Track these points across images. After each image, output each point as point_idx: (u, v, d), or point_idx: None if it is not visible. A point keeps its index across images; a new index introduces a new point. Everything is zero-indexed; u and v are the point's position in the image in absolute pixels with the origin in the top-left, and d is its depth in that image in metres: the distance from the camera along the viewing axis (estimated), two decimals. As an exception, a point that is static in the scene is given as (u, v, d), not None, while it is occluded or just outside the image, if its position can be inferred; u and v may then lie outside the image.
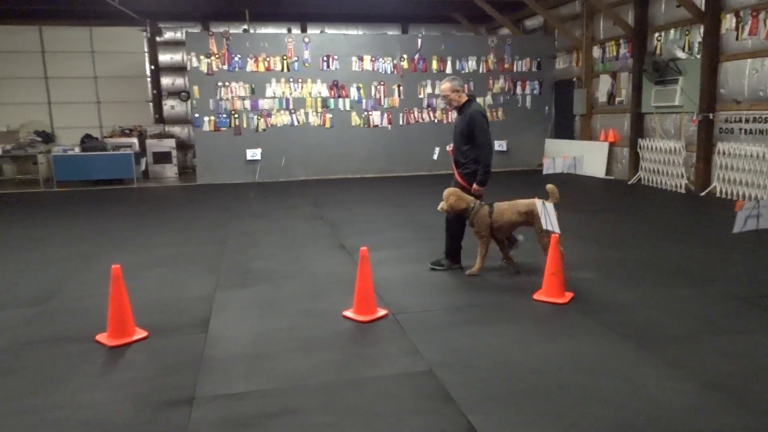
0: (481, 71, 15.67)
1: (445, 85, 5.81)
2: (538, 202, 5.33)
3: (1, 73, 16.67)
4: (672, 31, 11.75)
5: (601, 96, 14.24)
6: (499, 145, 15.80)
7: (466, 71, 15.55)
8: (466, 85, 5.72)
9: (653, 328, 4.28)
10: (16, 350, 4.16)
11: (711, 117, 10.73)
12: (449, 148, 6.38)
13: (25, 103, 16.79)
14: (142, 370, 3.80)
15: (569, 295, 4.97)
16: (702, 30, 10.79)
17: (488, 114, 15.79)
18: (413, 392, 3.41)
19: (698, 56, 10.97)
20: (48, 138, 15.91)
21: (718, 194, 10.48)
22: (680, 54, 11.48)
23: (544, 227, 5.23)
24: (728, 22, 10.33)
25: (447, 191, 5.67)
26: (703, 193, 10.70)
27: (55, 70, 16.89)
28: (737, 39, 10.21)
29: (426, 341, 4.14)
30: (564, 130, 16.02)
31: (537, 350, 3.95)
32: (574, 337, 4.17)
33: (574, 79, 15.24)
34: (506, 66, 15.82)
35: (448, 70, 15.39)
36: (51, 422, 3.15)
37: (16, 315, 4.88)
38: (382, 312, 4.69)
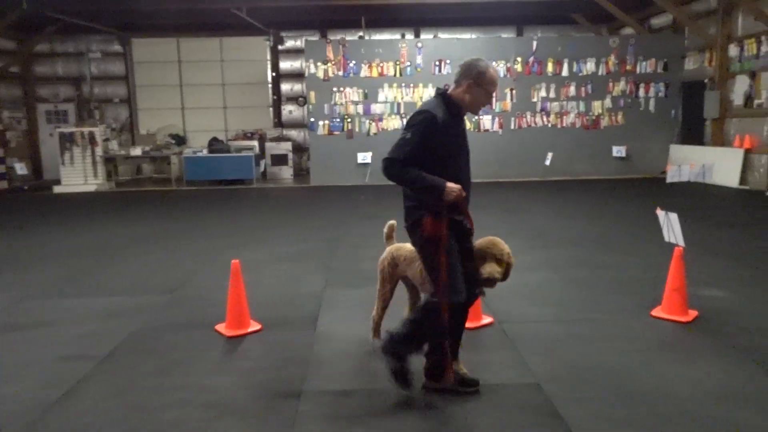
0: (600, 73, 14.95)
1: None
2: (660, 213, 4.98)
3: (143, 81, 18.43)
4: (826, 26, 10.51)
5: (737, 98, 13.04)
6: (617, 151, 14.99)
7: (584, 73, 14.91)
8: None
9: (794, 357, 3.85)
10: (151, 333, 4.57)
11: None
12: (458, 189, 3.24)
13: (163, 108, 18.41)
14: (256, 360, 4.03)
15: (693, 313, 4.60)
16: None
17: (606, 118, 15.11)
18: (518, 405, 3.32)
19: None
20: (180, 141, 17.35)
21: None
22: (835, 51, 10.23)
23: (667, 239, 4.88)
24: None
25: (494, 243, 3.50)
26: None
27: (189, 78, 18.37)
28: None
29: (533, 353, 4.01)
30: (692, 135, 14.85)
31: (657, 372, 3.69)
32: (701, 360, 3.85)
33: (706, 81, 14.08)
34: (628, 67, 14.97)
35: (565, 72, 14.84)
36: (178, 402, 3.42)
37: (152, 301, 5.36)
38: (487, 320, 4.61)
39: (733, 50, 13.16)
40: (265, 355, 4.12)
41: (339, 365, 3.91)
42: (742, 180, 12.56)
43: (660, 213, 4.99)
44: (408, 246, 3.87)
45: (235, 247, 7.62)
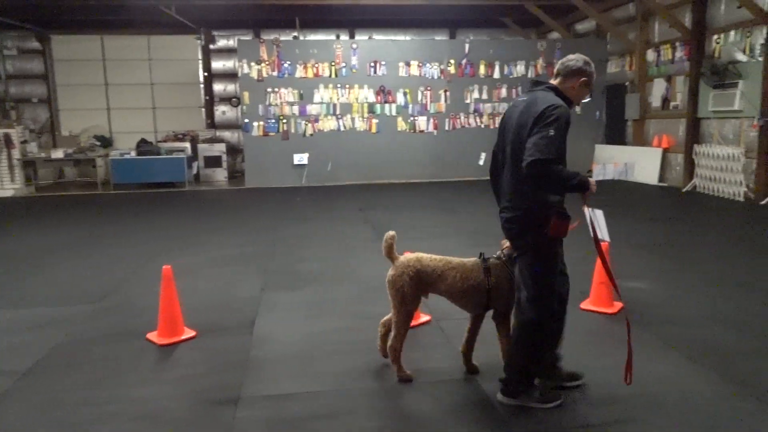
0: (529, 76, 15.43)
1: None
2: (586, 210, 5.19)
3: (65, 80, 17.52)
4: (732, 33, 11.29)
5: (655, 100, 13.81)
6: (547, 151, 15.53)
7: (515, 76, 15.35)
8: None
9: (712, 343, 4.12)
10: (78, 345, 4.35)
11: (773, 122, 10.25)
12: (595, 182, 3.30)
13: (87, 109, 17.57)
14: (191, 368, 3.91)
15: (618, 305, 4.83)
16: (765, 32, 10.34)
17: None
18: (456, 399, 3.39)
19: (760, 59, 10.50)
20: (106, 142, 16.61)
21: (780, 203, 10.00)
22: (740, 57, 11.02)
23: (593, 235, 5.09)
24: (793, 23, 9.87)
25: None
26: (763, 202, 10.22)
27: (115, 77, 17.62)
28: (803, 40, 9.73)
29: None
30: (615, 135, 15.59)
31: (587, 361, 3.85)
32: (626, 348, 4.04)
33: (627, 84, 14.83)
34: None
35: (496, 75, 15.24)
36: (108, 415, 3.28)
37: (78, 311, 5.09)
38: (425, 318, 4.67)
39: (650, 55, 13.93)
40: (200, 362, 4.01)
41: (278, 369, 3.86)
42: (661, 177, 13.31)
43: (586, 210, 5.20)
44: (429, 256, 3.58)
45: (166, 252, 7.37)
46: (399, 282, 3.47)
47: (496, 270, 3.47)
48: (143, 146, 15.04)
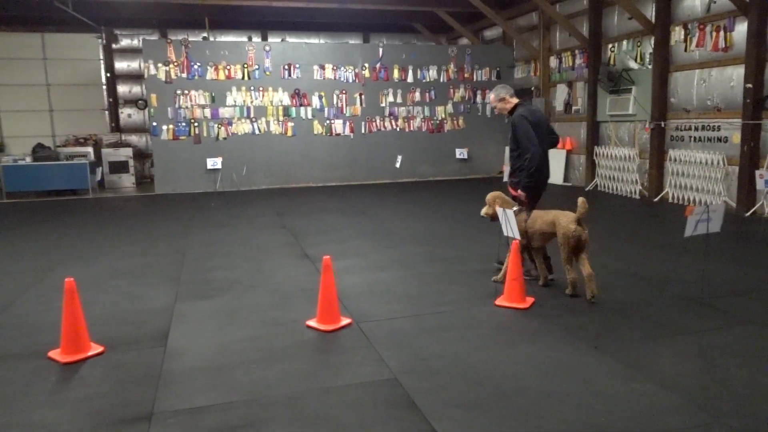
0: (441, 80, 15.86)
1: (490, 97, 6.13)
2: (498, 209, 5.41)
3: (-54, 80, 16.03)
4: (624, 43, 12.14)
5: (558, 105, 14.58)
6: (460, 153, 16.00)
7: (428, 80, 15.71)
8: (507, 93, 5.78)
9: (612, 331, 4.39)
10: (-37, 369, 3.98)
11: (663, 125, 11.12)
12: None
13: (-27, 111, 16.17)
14: (98, 386, 3.69)
15: (530, 300, 5.05)
16: (653, 41, 11.19)
17: (449, 122, 16.06)
18: (378, 401, 3.41)
19: (650, 67, 11.36)
20: (-4, 147, 15.38)
21: (670, 199, 10.84)
22: (633, 64, 11.87)
23: (505, 234, 5.31)
24: (677, 34, 10.74)
25: (490, 194, 5.74)
26: (656, 199, 11.05)
27: (5, 77, 16.32)
28: (686, 50, 10.62)
29: (390, 349, 4.14)
30: (523, 138, 16.28)
31: (499, 355, 4.00)
32: (535, 341, 4.24)
33: (533, 89, 15.56)
34: (466, 75, 16.05)
35: (410, 79, 15.52)
36: (1, 443, 3.02)
37: (-37, 332, 4.67)
38: (345, 321, 4.67)
39: (553, 62, 14.70)
40: (108, 378, 3.79)
41: (193, 381, 3.72)
42: (566, 177, 14.07)
43: (498, 210, 5.41)
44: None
45: (67, 263, 6.91)
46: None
47: None
48: (40, 151, 14.06)
